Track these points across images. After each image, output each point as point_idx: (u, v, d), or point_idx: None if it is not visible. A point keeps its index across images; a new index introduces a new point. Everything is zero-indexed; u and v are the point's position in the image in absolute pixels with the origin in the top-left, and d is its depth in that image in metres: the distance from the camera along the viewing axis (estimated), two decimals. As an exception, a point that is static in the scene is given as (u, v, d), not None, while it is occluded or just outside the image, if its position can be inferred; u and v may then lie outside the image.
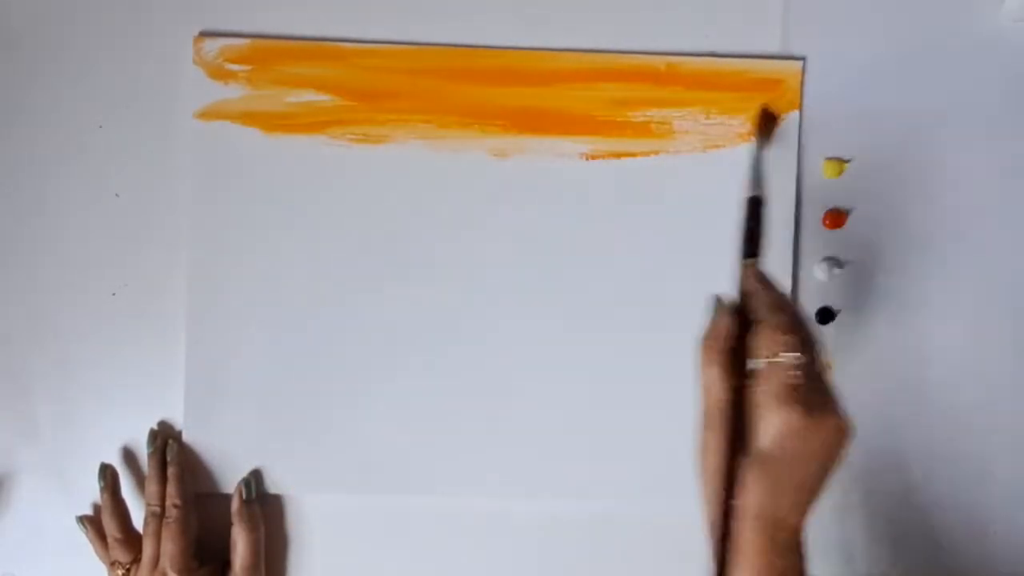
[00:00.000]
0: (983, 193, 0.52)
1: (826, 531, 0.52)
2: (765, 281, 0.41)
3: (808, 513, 0.37)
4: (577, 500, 0.52)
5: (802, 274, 0.51)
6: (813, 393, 0.36)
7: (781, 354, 0.36)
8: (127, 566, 0.49)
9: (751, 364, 0.38)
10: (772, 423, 0.36)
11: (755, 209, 0.44)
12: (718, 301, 0.41)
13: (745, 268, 0.42)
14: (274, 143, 0.50)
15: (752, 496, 0.36)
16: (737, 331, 0.39)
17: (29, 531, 0.52)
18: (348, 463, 0.51)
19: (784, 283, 0.51)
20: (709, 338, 0.40)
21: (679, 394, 0.51)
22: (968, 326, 0.52)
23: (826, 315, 0.51)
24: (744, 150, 0.51)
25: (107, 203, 0.51)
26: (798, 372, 0.36)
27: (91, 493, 0.51)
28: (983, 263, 0.52)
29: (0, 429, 0.51)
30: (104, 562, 0.50)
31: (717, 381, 0.38)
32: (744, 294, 0.41)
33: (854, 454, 0.52)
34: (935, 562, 0.53)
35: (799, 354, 0.36)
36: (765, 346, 0.37)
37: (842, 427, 0.37)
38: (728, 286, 0.51)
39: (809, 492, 0.37)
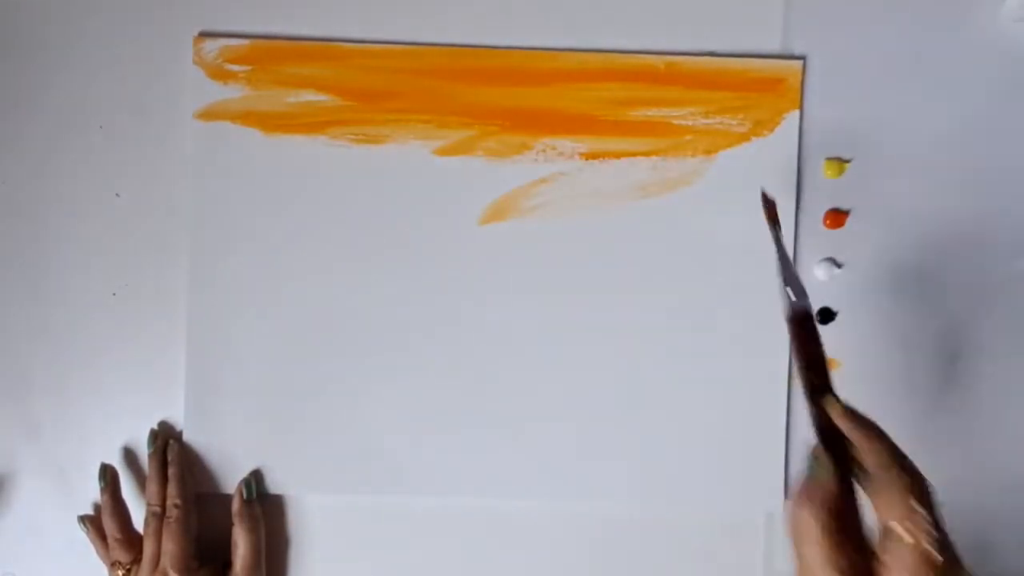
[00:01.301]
0: (983, 193, 0.52)
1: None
2: (866, 424, 0.37)
3: None
4: (577, 501, 0.52)
5: (802, 274, 0.51)
6: (951, 567, 0.33)
7: (910, 527, 0.33)
8: (128, 566, 0.49)
9: (874, 529, 0.34)
10: None
11: (810, 328, 0.39)
12: (817, 454, 0.37)
13: (830, 407, 0.38)
14: (274, 143, 0.50)
15: None
16: (839, 488, 0.36)
17: (29, 531, 0.52)
18: (348, 463, 0.51)
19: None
20: (808, 498, 0.35)
21: (679, 396, 0.51)
22: (968, 325, 0.52)
23: (826, 315, 0.51)
24: (743, 150, 0.51)
25: (107, 203, 0.51)
26: (937, 547, 0.33)
27: (91, 493, 0.51)
28: (983, 263, 0.52)
29: (0, 429, 0.51)
30: (105, 562, 0.50)
31: (825, 549, 0.34)
32: (830, 436, 0.37)
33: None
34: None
35: (934, 528, 0.33)
36: (889, 511, 0.34)
37: None
38: (719, 290, 0.51)
39: None
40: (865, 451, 0.36)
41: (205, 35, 0.50)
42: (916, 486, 0.35)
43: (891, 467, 0.35)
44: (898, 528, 0.34)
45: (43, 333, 0.51)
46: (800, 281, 0.41)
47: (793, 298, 0.40)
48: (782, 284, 0.41)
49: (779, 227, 0.44)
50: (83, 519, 0.51)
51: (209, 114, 0.50)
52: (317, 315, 0.51)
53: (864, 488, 0.36)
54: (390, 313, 0.51)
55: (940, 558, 0.33)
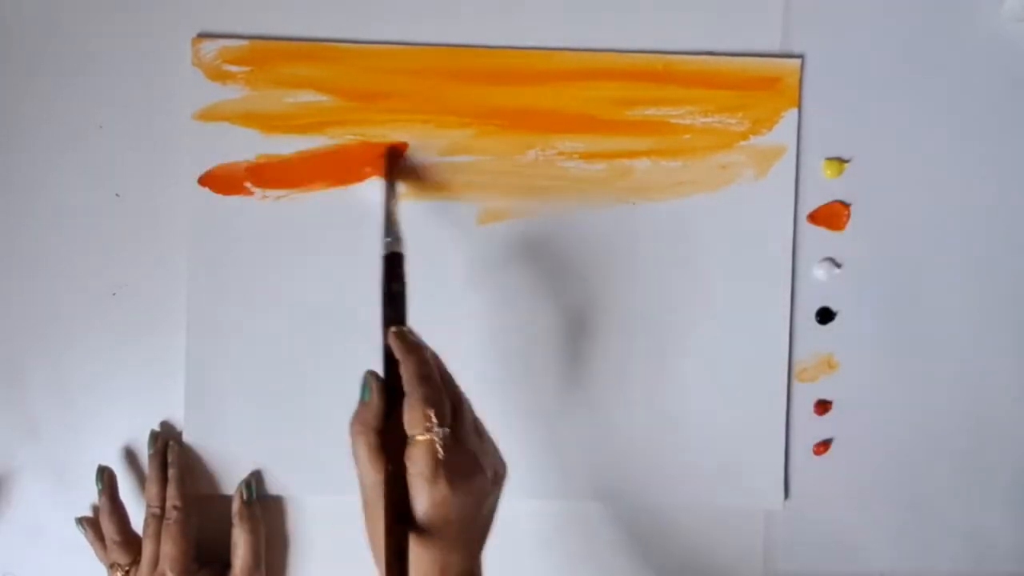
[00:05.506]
0: (983, 193, 0.52)
1: (835, 526, 0.52)
2: (409, 347, 0.40)
3: (480, 551, 0.40)
4: (576, 499, 0.52)
5: (802, 274, 0.51)
6: (457, 460, 0.38)
7: (425, 431, 0.37)
8: (126, 568, 0.49)
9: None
10: (423, 499, 0.37)
11: (395, 268, 0.43)
12: (367, 379, 0.40)
13: (391, 336, 0.41)
14: (274, 143, 0.50)
15: (420, 567, 0.37)
16: (387, 407, 0.39)
17: (29, 531, 0.52)
18: (348, 464, 0.51)
19: (783, 283, 0.51)
20: (358, 420, 0.40)
21: (679, 395, 0.51)
22: (968, 325, 0.52)
23: (826, 315, 0.51)
24: (742, 149, 0.51)
25: (107, 203, 0.51)
26: (441, 445, 0.37)
27: (91, 493, 0.51)
28: (983, 263, 0.52)
29: (0, 429, 0.51)
30: (104, 563, 0.50)
31: (367, 464, 0.39)
32: (391, 363, 0.40)
33: (859, 452, 0.52)
34: (934, 560, 0.53)
35: (442, 428, 0.37)
36: (411, 423, 0.38)
37: (486, 482, 0.39)
38: (719, 289, 0.51)
39: (476, 540, 0.39)
40: (403, 372, 0.39)
41: (204, 36, 0.50)
42: (433, 397, 0.38)
43: (414, 382, 0.38)
44: (415, 434, 0.37)
45: (43, 333, 0.51)
46: (398, 229, 0.45)
47: (389, 240, 0.44)
48: (384, 229, 0.45)
49: (392, 178, 0.49)
50: (81, 521, 0.51)
51: (208, 115, 0.50)
52: (317, 316, 0.51)
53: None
54: (390, 313, 0.51)
55: (443, 452, 0.37)
